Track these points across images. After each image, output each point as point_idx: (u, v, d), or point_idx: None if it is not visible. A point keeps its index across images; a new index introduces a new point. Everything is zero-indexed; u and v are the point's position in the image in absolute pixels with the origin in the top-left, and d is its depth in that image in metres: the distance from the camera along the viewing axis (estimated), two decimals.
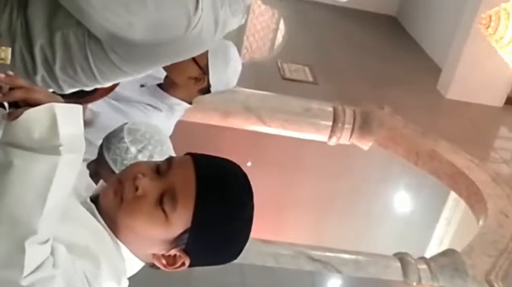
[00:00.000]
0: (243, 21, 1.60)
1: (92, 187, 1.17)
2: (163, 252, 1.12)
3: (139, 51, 1.41)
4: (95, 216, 1.10)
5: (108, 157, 1.77)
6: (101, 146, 1.82)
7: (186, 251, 1.11)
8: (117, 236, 1.10)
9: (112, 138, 1.78)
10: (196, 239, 1.09)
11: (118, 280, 1.08)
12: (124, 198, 1.09)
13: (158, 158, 1.65)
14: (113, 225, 1.10)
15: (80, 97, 1.89)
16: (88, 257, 1.01)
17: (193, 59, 2.13)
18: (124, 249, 1.12)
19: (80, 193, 1.14)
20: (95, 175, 1.73)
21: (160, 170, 1.12)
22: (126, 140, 1.76)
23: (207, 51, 2.14)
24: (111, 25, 1.34)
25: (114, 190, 1.11)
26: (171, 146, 1.82)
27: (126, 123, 1.82)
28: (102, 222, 1.10)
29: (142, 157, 1.74)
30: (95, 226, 1.08)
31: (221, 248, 1.13)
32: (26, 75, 1.47)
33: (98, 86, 1.58)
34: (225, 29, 1.50)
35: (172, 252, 1.11)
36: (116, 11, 1.32)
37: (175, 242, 1.09)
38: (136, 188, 1.08)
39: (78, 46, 1.41)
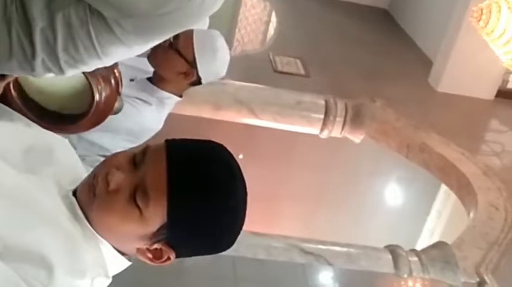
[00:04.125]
0: None
1: (79, 179, 1.12)
2: (146, 246, 1.06)
3: (143, 22, 1.39)
4: (74, 212, 1.06)
5: None
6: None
7: (169, 244, 1.05)
8: (97, 232, 1.06)
9: None
10: (176, 234, 1.03)
11: (82, 279, 1.02)
12: (96, 194, 1.04)
13: None
14: (90, 220, 1.06)
15: (65, 123, 1.87)
16: (42, 265, 0.96)
17: (180, 54, 2.12)
18: (106, 246, 1.07)
19: (62, 186, 1.10)
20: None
21: (136, 161, 1.05)
22: None
23: (193, 45, 2.13)
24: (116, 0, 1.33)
25: (88, 184, 1.06)
26: None
27: None
28: (82, 218, 1.06)
29: None
30: (64, 228, 1.02)
31: (206, 240, 1.05)
32: (24, 60, 1.45)
33: (100, 65, 1.56)
34: None
35: (156, 246, 1.06)
36: None
37: (155, 237, 1.04)
38: (108, 184, 1.03)
39: (80, 24, 1.38)
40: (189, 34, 2.14)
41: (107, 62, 1.54)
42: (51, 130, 1.93)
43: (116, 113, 1.96)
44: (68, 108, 1.81)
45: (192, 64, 2.16)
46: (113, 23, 1.37)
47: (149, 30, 1.43)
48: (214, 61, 2.19)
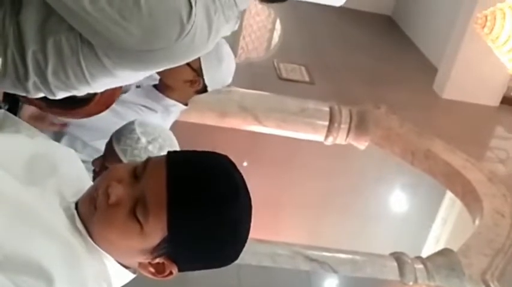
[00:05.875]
0: (236, 27, 1.60)
1: (83, 191, 1.11)
2: (148, 260, 1.04)
3: (132, 56, 1.41)
4: (74, 224, 1.05)
5: (118, 148, 1.78)
6: (110, 139, 1.83)
7: (171, 258, 1.03)
8: (99, 245, 1.04)
9: (123, 130, 1.81)
10: (178, 248, 1.01)
11: None
12: (97, 207, 1.03)
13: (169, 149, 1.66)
14: (91, 234, 1.05)
15: (74, 107, 1.88)
16: (42, 276, 0.95)
17: (187, 62, 2.13)
18: (109, 259, 1.06)
19: (65, 198, 1.09)
20: (101, 171, 1.74)
21: (137, 173, 1.03)
22: (137, 131, 1.78)
23: None
24: (106, 31, 1.34)
25: (89, 197, 1.05)
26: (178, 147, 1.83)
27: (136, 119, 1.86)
28: (83, 231, 1.05)
29: (152, 148, 1.75)
30: (64, 240, 1.01)
31: (209, 254, 1.03)
32: (17, 81, 1.47)
33: (90, 91, 1.58)
34: (218, 35, 1.49)
35: (158, 260, 1.04)
36: (111, 17, 1.33)
37: (156, 251, 1.02)
38: (109, 197, 1.01)
39: (71, 51, 1.41)
40: None
41: (97, 89, 1.56)
42: (63, 115, 1.95)
43: (125, 92, 1.96)
44: None
45: (198, 72, 2.16)
46: (101, 53, 1.40)
47: (136, 64, 1.45)
48: (220, 69, 2.19)
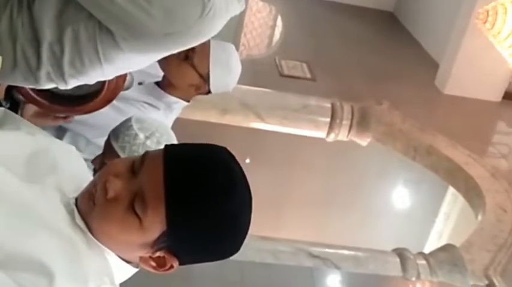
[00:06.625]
0: (243, 7, 1.59)
1: (82, 188, 1.10)
2: (149, 254, 1.04)
3: (151, 39, 1.40)
4: (74, 220, 1.05)
5: (116, 145, 1.79)
6: (108, 137, 1.85)
7: (172, 252, 1.03)
8: (99, 241, 1.05)
9: (120, 127, 1.82)
10: (177, 241, 1.01)
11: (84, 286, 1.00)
12: (95, 202, 1.03)
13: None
14: (91, 229, 1.05)
15: (77, 104, 1.88)
16: (42, 273, 0.95)
17: (195, 68, 2.13)
18: (110, 254, 1.06)
19: (65, 194, 1.09)
20: (100, 169, 1.75)
21: (135, 168, 1.03)
22: (134, 127, 1.79)
23: (208, 61, 2.14)
24: (128, 16, 1.34)
25: (88, 193, 1.05)
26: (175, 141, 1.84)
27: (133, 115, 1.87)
28: (83, 227, 1.05)
29: (150, 143, 1.76)
30: (65, 236, 1.02)
31: (208, 247, 1.03)
32: (29, 73, 1.46)
33: (101, 78, 1.58)
34: (230, 15, 1.49)
35: (158, 254, 1.04)
36: (133, 1, 1.32)
37: (156, 245, 1.02)
38: (107, 192, 1.02)
39: (88, 39, 1.39)
40: (206, 50, 2.14)
41: (108, 75, 1.55)
42: (65, 112, 1.96)
43: (127, 89, 1.97)
44: (79, 89, 1.80)
45: (205, 79, 2.16)
46: (120, 38, 1.39)
47: (157, 45, 1.44)
48: (227, 77, 2.19)
